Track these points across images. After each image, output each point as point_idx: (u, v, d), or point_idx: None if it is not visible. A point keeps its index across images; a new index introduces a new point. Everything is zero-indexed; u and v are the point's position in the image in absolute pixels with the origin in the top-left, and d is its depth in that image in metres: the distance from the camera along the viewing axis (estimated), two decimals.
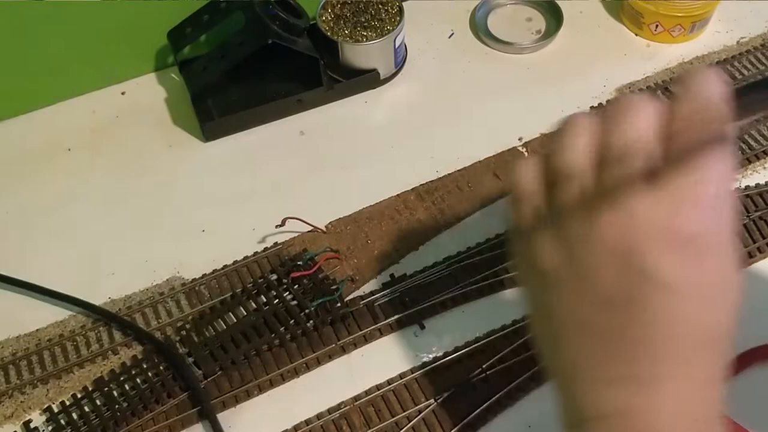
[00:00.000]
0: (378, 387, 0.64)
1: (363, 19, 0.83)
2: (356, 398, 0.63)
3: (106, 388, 0.64)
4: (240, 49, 0.78)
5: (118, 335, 0.67)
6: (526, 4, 0.94)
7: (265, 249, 0.72)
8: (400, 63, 0.87)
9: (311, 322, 0.66)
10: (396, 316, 0.68)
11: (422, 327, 0.68)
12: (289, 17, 0.79)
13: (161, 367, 0.65)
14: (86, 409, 0.63)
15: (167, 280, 0.71)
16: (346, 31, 0.83)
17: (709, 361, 0.38)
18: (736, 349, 0.64)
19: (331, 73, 0.84)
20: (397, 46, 0.84)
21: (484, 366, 0.64)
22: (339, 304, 0.68)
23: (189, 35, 0.82)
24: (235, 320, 0.68)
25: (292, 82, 0.83)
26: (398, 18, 0.83)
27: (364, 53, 0.83)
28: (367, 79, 0.85)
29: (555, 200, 0.39)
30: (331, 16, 0.84)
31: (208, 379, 0.64)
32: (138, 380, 0.64)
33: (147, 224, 0.76)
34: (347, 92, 0.85)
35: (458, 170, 0.78)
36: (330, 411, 0.63)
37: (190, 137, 0.82)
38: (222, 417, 0.63)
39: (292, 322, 0.67)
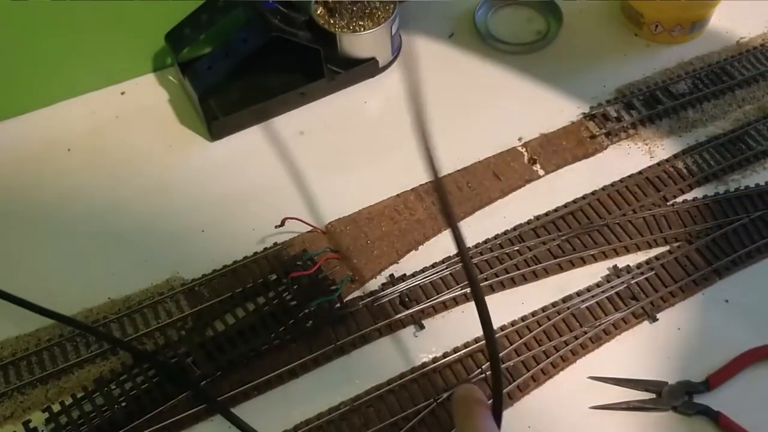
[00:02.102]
0: (377, 387, 0.64)
1: (356, 9, 0.83)
2: (356, 398, 0.63)
3: (106, 389, 0.64)
4: (244, 45, 0.78)
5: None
6: (526, 4, 0.94)
7: (265, 249, 0.72)
8: (396, 50, 0.87)
9: (311, 322, 0.66)
10: (395, 317, 0.68)
11: (422, 327, 0.68)
12: (289, 11, 0.79)
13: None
14: (86, 409, 0.63)
15: (167, 280, 0.71)
16: (343, 23, 0.83)
17: None
18: (737, 349, 0.65)
19: (330, 66, 0.84)
20: (393, 34, 0.84)
21: (483, 366, 0.64)
22: (338, 305, 0.68)
23: (188, 36, 0.82)
24: (234, 321, 0.68)
25: (294, 75, 0.83)
26: (392, 5, 0.83)
27: (363, 42, 0.83)
28: (366, 68, 0.85)
29: None
30: (324, 9, 0.84)
31: (207, 380, 0.64)
32: (138, 380, 0.64)
33: (147, 224, 0.76)
34: (349, 82, 0.85)
35: (458, 170, 0.78)
36: (330, 411, 0.63)
37: (189, 137, 0.82)
38: (220, 418, 0.63)
39: (291, 322, 0.66)
